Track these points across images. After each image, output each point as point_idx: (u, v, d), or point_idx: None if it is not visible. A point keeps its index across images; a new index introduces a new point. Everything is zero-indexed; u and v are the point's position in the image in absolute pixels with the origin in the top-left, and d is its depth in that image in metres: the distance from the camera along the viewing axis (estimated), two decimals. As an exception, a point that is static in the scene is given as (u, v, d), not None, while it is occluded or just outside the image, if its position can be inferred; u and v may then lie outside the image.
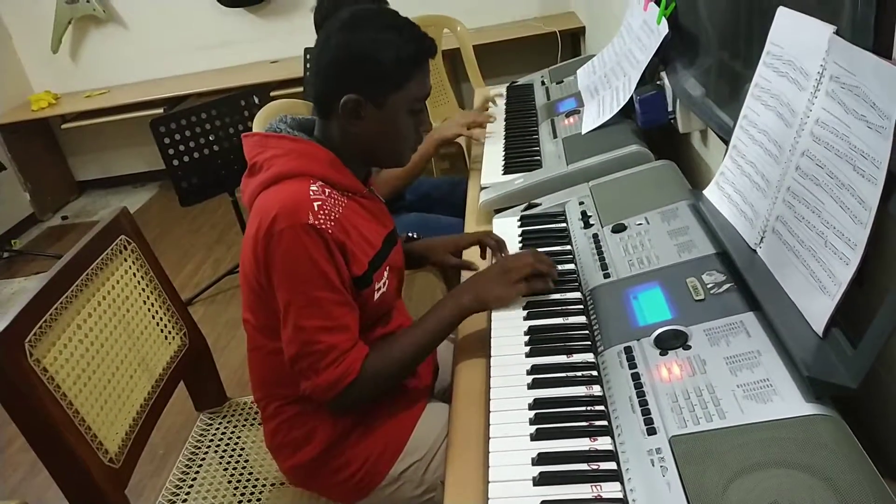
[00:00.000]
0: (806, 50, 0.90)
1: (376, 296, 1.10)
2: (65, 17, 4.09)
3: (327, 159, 1.06)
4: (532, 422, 0.87)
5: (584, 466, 0.79)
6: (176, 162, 2.78)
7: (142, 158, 4.56)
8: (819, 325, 0.80)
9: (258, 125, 2.08)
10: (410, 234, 1.40)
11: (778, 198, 0.94)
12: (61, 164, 4.67)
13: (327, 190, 1.03)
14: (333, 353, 0.99)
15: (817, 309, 0.81)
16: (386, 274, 1.12)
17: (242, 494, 1.31)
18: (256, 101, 2.91)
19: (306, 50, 3.42)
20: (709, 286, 0.98)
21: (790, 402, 0.75)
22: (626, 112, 1.61)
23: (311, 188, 1.01)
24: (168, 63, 4.24)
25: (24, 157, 4.25)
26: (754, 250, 0.98)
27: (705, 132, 1.49)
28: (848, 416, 0.74)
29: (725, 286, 0.96)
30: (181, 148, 2.78)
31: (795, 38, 0.94)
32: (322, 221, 0.98)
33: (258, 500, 1.29)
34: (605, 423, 0.84)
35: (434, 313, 1.08)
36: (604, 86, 1.82)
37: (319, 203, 1.00)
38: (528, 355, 0.99)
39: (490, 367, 0.99)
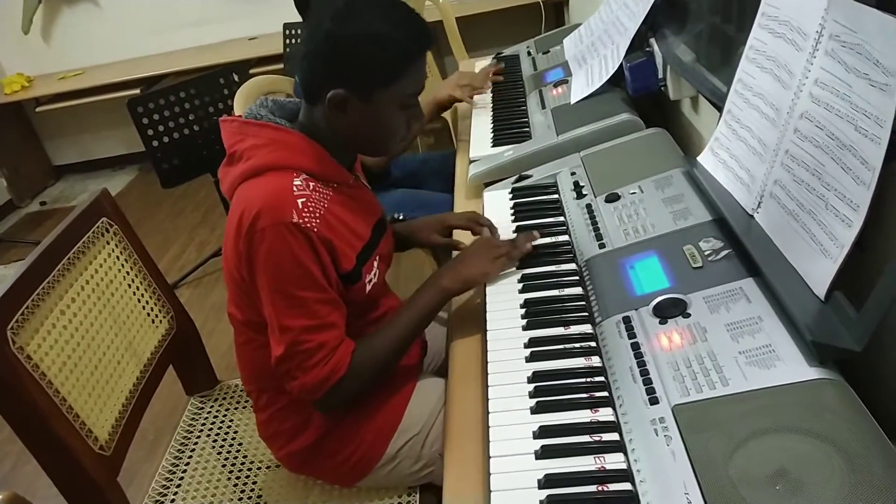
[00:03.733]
0: (803, 9, 0.88)
1: (368, 287, 1.07)
2: (34, -3, 3.97)
3: (311, 150, 1.01)
4: (532, 395, 0.86)
5: (586, 438, 0.78)
6: (156, 143, 2.72)
7: (120, 141, 4.48)
8: (821, 289, 0.79)
9: (239, 103, 2.03)
10: (395, 216, 1.37)
11: (776, 161, 0.92)
12: (37, 148, 4.57)
13: (311, 183, 0.99)
14: (322, 352, 0.96)
15: (819, 272, 0.80)
16: (376, 264, 1.09)
17: (237, 478, 1.29)
18: (236, 78, 2.85)
19: (286, 25, 3.35)
20: (706, 253, 0.96)
21: (794, 367, 0.74)
22: (616, 80, 1.58)
23: (295, 182, 0.96)
24: (144, 42, 4.14)
25: (-1, 143, 4.15)
26: (752, 216, 0.97)
27: (696, 99, 1.47)
28: (851, 381, 0.74)
29: (723, 253, 0.95)
30: (160, 128, 2.72)
31: (792, -3, 0.92)
32: (307, 220, 0.94)
33: (254, 482, 1.28)
34: (605, 393, 0.83)
35: (416, 300, 1.05)
36: (591, 54, 1.79)
37: (304, 200, 0.95)
38: (524, 328, 0.98)
39: (486, 341, 0.98)
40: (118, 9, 4.07)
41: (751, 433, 0.69)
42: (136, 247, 1.30)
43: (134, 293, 1.27)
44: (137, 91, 3.74)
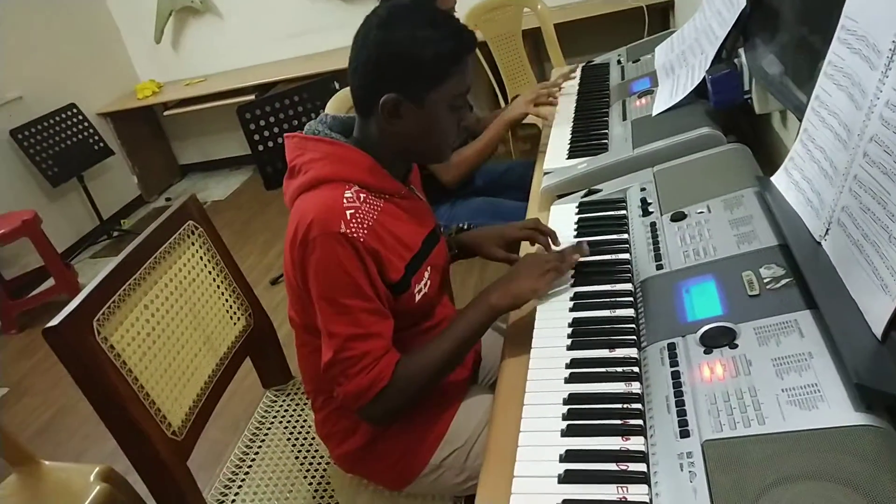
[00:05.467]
0: (879, 24, 0.81)
1: (417, 297, 1.09)
2: (166, 9, 4.33)
3: (364, 163, 1.05)
4: (565, 417, 0.85)
5: (612, 466, 0.76)
6: (261, 147, 2.89)
7: (237, 143, 4.79)
8: (878, 328, 0.73)
9: (331, 110, 2.12)
10: (461, 225, 1.39)
11: (845, 186, 0.86)
12: (165, 148, 4.97)
13: (363, 195, 1.02)
14: (365, 360, 0.99)
15: (878, 310, 0.74)
16: (427, 274, 1.11)
17: (307, 470, 1.36)
18: (337, 86, 2.97)
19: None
20: (766, 281, 0.91)
21: (837, 411, 0.69)
22: (702, 92, 1.52)
23: (346, 195, 1.01)
24: (259, 50, 4.41)
25: (132, 143, 4.56)
26: (819, 243, 0.91)
27: (784, 113, 1.39)
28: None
29: (783, 281, 0.90)
30: (266, 133, 2.89)
31: (870, 10, 0.86)
32: (354, 230, 0.98)
33: (322, 475, 1.34)
34: (640, 422, 0.81)
35: (464, 317, 1.06)
36: (680, 64, 1.72)
37: (352, 211, 0.99)
38: (569, 348, 0.97)
39: (530, 359, 0.97)
40: (238, 20, 4.37)
41: (779, 478, 0.65)
42: (220, 248, 1.39)
43: (214, 291, 1.36)
44: (252, 97, 3.99)
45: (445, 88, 1.01)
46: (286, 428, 1.45)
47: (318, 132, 1.08)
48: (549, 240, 1.20)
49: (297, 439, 1.43)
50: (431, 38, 0.98)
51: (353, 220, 0.98)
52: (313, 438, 1.43)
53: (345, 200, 1.00)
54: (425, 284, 1.11)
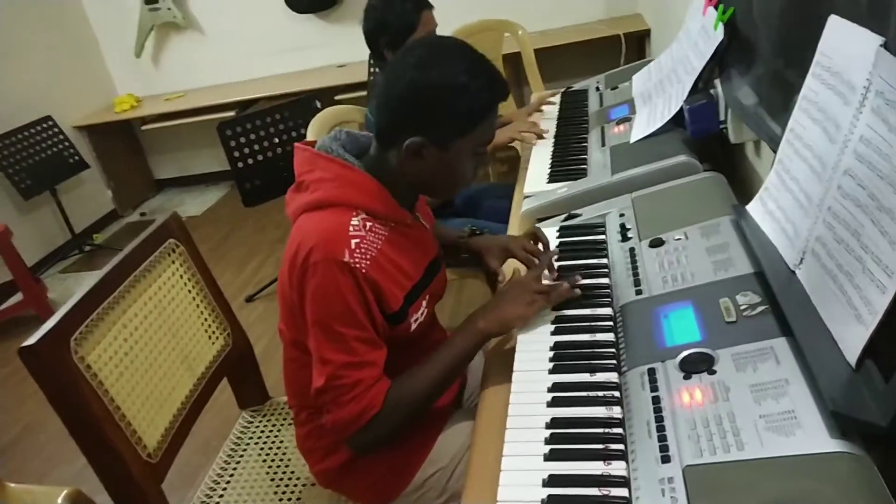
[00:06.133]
0: (853, 62, 0.85)
1: (413, 326, 1.09)
2: (147, 24, 4.31)
3: (374, 190, 1.04)
4: (547, 441, 0.85)
5: (594, 491, 0.77)
6: (240, 164, 2.88)
7: (215, 158, 4.75)
8: (853, 356, 0.75)
9: (312, 131, 2.13)
10: (475, 229, 1.39)
11: (819, 217, 0.89)
12: (141, 163, 4.92)
13: (369, 223, 1.02)
14: (357, 389, 0.99)
15: (851, 338, 0.76)
16: (424, 304, 1.11)
17: (283, 492, 1.34)
18: (319, 105, 2.98)
19: (371, 55, 3.48)
20: (742, 308, 0.93)
21: (814, 437, 0.71)
22: (679, 121, 1.56)
23: (352, 222, 1.00)
24: (241, 67, 4.40)
25: (108, 157, 4.51)
26: (793, 272, 0.93)
27: (758, 143, 1.43)
28: (884, 454, 0.69)
29: (759, 308, 0.92)
30: (245, 151, 2.88)
31: (844, 48, 0.89)
32: (357, 260, 0.97)
33: (297, 498, 1.33)
34: (621, 446, 0.82)
35: (453, 343, 1.06)
36: (658, 92, 1.77)
37: (357, 241, 0.99)
38: (550, 372, 0.97)
39: (512, 382, 0.98)
40: (220, 36, 4.36)
41: None
42: (200, 267, 1.38)
43: (193, 311, 1.35)
44: (232, 113, 3.98)
45: (473, 137, 1.01)
46: (262, 449, 1.44)
47: (330, 150, 1.07)
48: (549, 270, 1.18)
49: (273, 461, 1.41)
50: (468, 88, 0.97)
51: (358, 250, 0.98)
52: (290, 460, 1.41)
53: (351, 228, 0.99)
54: (422, 314, 1.11)
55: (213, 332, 1.39)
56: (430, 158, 1.01)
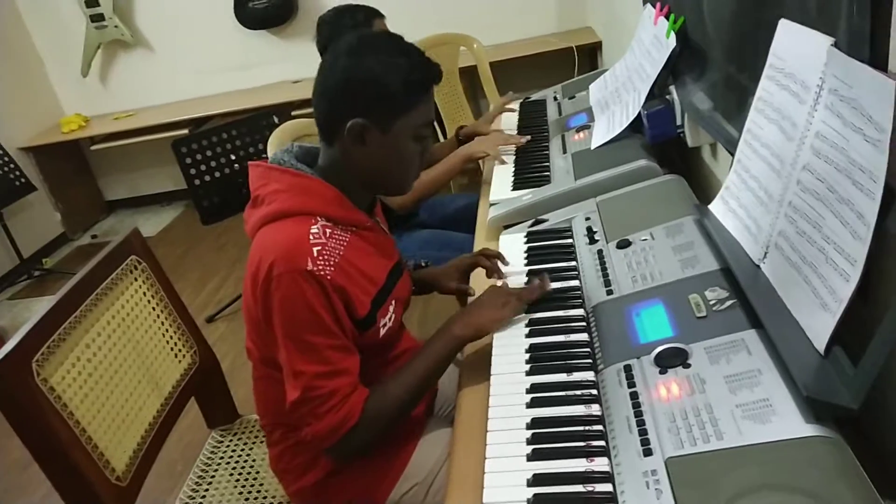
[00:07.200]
0: (806, 62, 0.88)
1: (382, 331, 1.08)
2: (94, 42, 4.21)
3: (330, 195, 1.04)
4: (529, 441, 0.86)
5: (579, 489, 0.78)
6: (197, 182, 2.83)
7: (168, 178, 4.65)
8: (820, 343, 0.78)
9: (272, 145, 2.10)
10: (420, 262, 1.40)
11: (780, 212, 0.92)
12: (91, 184, 4.78)
13: (328, 230, 1.01)
14: (334, 399, 0.97)
15: (819, 326, 0.79)
16: (391, 308, 1.11)
17: (255, 512, 1.31)
18: (276, 120, 2.95)
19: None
20: (711, 303, 0.96)
21: (790, 423, 0.73)
22: (637, 126, 1.60)
23: (312, 230, 0.99)
24: (193, 85, 4.33)
25: (55, 178, 4.36)
26: (758, 266, 0.96)
27: (715, 146, 1.48)
28: (856, 435, 0.72)
29: (728, 303, 0.95)
30: (202, 168, 2.83)
31: (796, 50, 0.93)
32: (321, 267, 0.97)
33: (270, 518, 1.30)
34: (602, 443, 0.83)
35: (429, 349, 1.06)
36: (614, 100, 1.81)
37: (319, 248, 0.98)
38: (528, 373, 0.98)
39: (489, 385, 0.98)
40: (170, 54, 4.28)
41: (740, 490, 0.68)
42: (164, 284, 1.35)
43: (158, 328, 1.32)
44: (185, 131, 3.90)
45: (411, 117, 1.02)
46: (234, 469, 1.40)
47: (283, 162, 1.06)
48: (498, 262, 1.23)
49: (246, 480, 1.38)
50: (401, 67, 0.99)
51: (321, 258, 0.97)
52: (263, 479, 1.38)
53: (311, 236, 0.98)
54: (390, 318, 1.10)
55: (179, 350, 1.36)
56: (373, 144, 1.02)
